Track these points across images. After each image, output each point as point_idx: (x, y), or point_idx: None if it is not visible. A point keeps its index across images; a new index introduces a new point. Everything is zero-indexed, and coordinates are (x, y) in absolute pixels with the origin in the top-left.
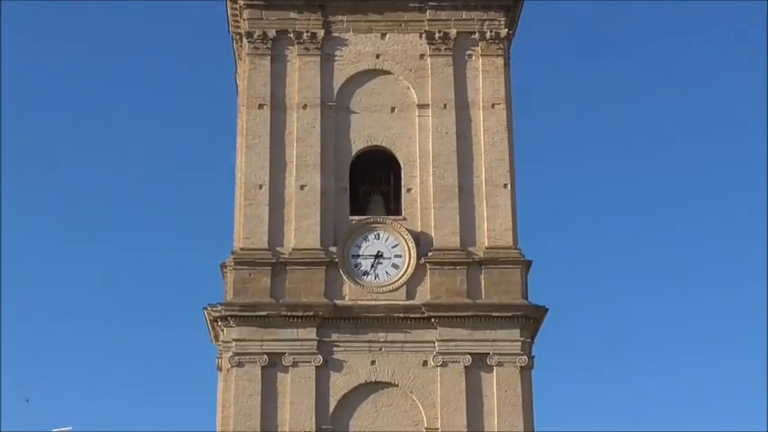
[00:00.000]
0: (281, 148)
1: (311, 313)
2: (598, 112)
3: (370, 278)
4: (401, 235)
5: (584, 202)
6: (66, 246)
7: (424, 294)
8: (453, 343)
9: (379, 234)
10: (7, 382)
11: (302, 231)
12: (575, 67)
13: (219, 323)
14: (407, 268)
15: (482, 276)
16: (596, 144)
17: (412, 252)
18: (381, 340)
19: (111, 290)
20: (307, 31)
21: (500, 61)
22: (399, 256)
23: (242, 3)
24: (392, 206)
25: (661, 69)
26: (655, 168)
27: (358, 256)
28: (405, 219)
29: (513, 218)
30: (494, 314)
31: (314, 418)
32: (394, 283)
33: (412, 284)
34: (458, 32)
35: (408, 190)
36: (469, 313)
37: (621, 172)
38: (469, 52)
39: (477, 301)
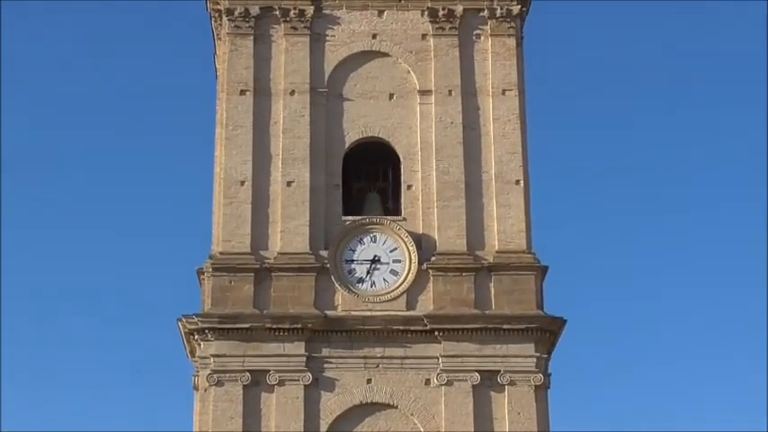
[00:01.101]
0: (266, 140)
1: (299, 325)
2: (623, 99)
3: (365, 286)
4: (400, 237)
5: (606, 200)
6: (16, 246)
7: (426, 304)
8: (459, 359)
9: (375, 236)
10: None
11: (289, 233)
12: (596, 48)
13: (196, 336)
14: (407, 275)
15: (492, 284)
16: (620, 136)
17: (413, 257)
18: (378, 356)
19: (73, 297)
20: (294, 8)
21: (512, 42)
22: (398, 262)
23: None
24: (390, 205)
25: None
26: (687, 160)
27: (352, 261)
28: (404, 219)
29: (526, 218)
30: (505, 326)
31: None
32: (392, 291)
33: (413, 293)
34: (464, 9)
35: (408, 187)
36: (477, 325)
37: (648, 167)
38: (477, 32)
39: (487, 312)
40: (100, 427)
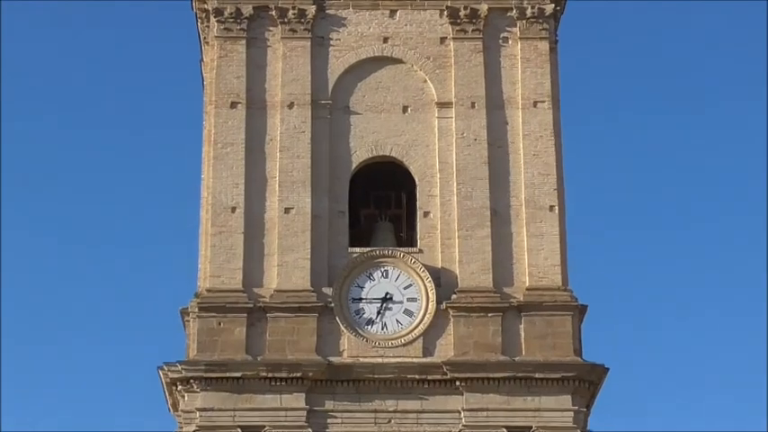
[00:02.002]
0: (260, 160)
1: (299, 374)
2: (672, 113)
3: (375, 328)
4: (416, 272)
5: (654, 229)
6: None
7: (445, 350)
8: (484, 413)
9: (387, 271)
10: None
11: (287, 267)
12: (641, 54)
13: (179, 387)
14: (424, 316)
15: (522, 326)
16: (670, 154)
17: (430, 294)
18: (391, 410)
19: (46, 341)
20: (293, 8)
21: (544, 46)
22: (414, 300)
23: None
24: (404, 235)
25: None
26: (738, 184)
27: (360, 299)
28: (420, 251)
29: (561, 250)
30: (537, 375)
31: None
32: (407, 334)
33: (430, 337)
34: (489, 9)
35: (425, 214)
36: (505, 374)
37: (697, 191)
38: (505, 34)
39: (516, 359)
40: None
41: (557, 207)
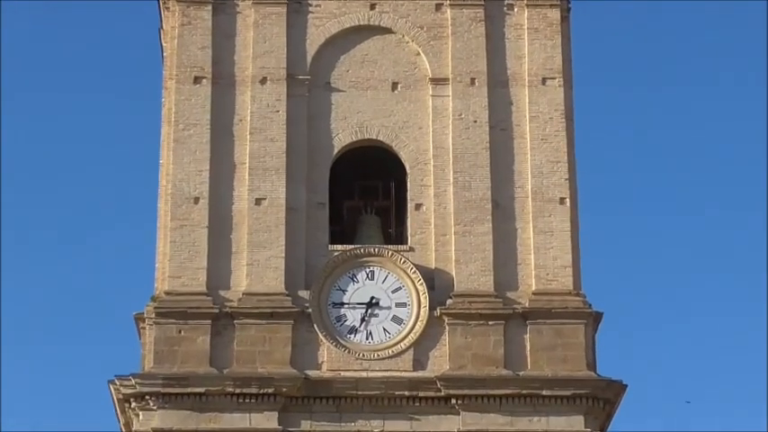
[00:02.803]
0: (228, 144)
1: (271, 390)
2: (699, 93)
3: (359, 338)
4: (406, 273)
5: (677, 225)
6: None
7: (440, 363)
8: None
9: (373, 272)
10: None
11: (258, 267)
12: (664, 24)
13: (133, 404)
14: (415, 323)
15: (527, 336)
16: (694, 140)
17: (422, 299)
18: (377, 430)
19: None
20: None
21: (555, 14)
22: (403, 306)
23: None
24: (393, 230)
25: None
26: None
27: (342, 304)
28: (412, 249)
29: (573, 248)
30: (545, 392)
31: None
32: (395, 345)
33: (422, 348)
34: None
35: (417, 206)
36: (509, 391)
37: (729, 180)
38: (510, 1)
39: (521, 374)
40: None
41: (568, 199)
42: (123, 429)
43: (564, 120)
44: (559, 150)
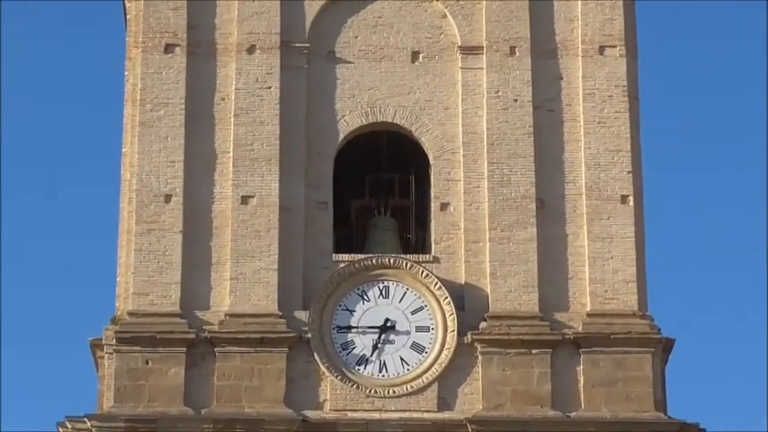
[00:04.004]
0: (207, 128)
1: None
2: None
3: (370, 370)
4: (429, 290)
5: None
6: None
7: (471, 401)
8: None
9: (387, 288)
10: None
11: (245, 282)
12: None
13: None
14: (441, 352)
15: (581, 368)
16: None
17: (449, 322)
18: None
19: None
20: None
21: None
22: (426, 330)
23: None
24: (412, 236)
25: None
26: None
27: (349, 328)
28: (436, 260)
29: (638, 258)
30: None
31: None
32: (416, 379)
33: (449, 383)
34: None
35: (443, 206)
36: None
37: None
38: None
39: (572, 415)
40: None
41: (631, 198)
42: None
43: (626, 98)
44: (621, 136)
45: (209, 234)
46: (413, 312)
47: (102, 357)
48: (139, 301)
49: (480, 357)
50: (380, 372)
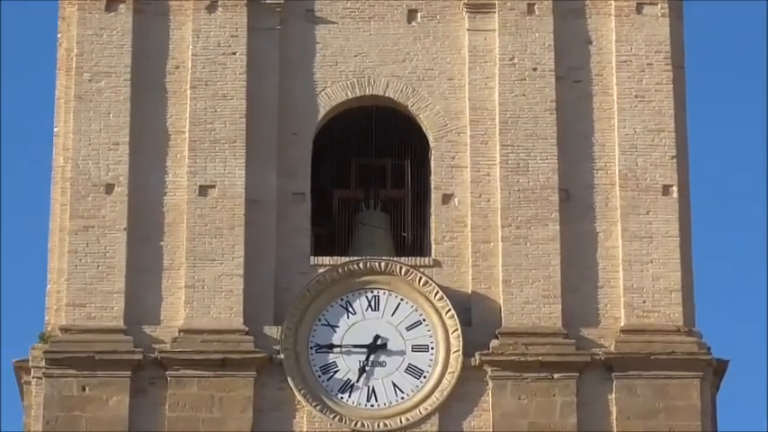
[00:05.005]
0: (158, 102)
1: None
2: None
3: (356, 398)
4: (428, 301)
5: None
6: None
7: None
8: None
9: (377, 298)
10: None
11: (204, 291)
12: None
13: None
14: (442, 377)
15: (613, 396)
16: None
17: (453, 340)
18: None
19: None
20: None
21: None
22: (424, 349)
23: None
24: (408, 235)
25: None
26: None
27: (330, 347)
28: (437, 264)
29: (683, 262)
30: None
31: None
32: (412, 409)
33: (453, 413)
34: None
35: (446, 198)
36: None
37: None
38: None
39: None
40: None
41: (675, 188)
42: None
43: (669, 67)
44: (663, 113)
45: (160, 232)
46: (408, 328)
47: (29, 383)
48: (74, 313)
49: (491, 383)
50: (369, 401)
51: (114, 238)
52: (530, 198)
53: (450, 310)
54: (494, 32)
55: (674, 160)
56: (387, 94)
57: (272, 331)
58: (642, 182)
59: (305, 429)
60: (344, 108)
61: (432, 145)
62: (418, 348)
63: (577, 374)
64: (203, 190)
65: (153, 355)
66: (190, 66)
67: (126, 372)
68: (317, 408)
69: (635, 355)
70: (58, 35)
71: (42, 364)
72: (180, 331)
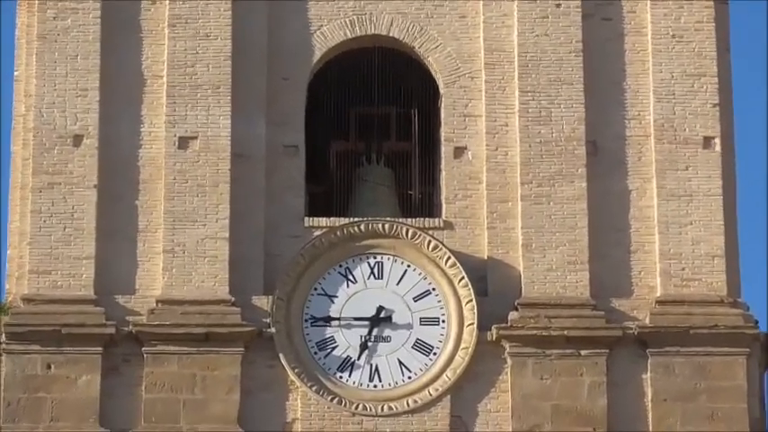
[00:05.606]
0: (132, 44)
1: None
2: None
3: (357, 378)
4: (439, 267)
5: None
6: None
7: (497, 420)
8: None
9: (381, 264)
10: None
11: (184, 257)
12: None
13: None
14: (454, 354)
15: (647, 376)
16: None
17: (466, 312)
18: None
19: None
20: None
21: None
22: (434, 323)
23: None
24: (415, 193)
25: None
26: None
27: (328, 320)
28: (448, 225)
29: (727, 225)
30: None
31: None
32: (420, 390)
33: (467, 395)
34: None
35: (458, 152)
36: None
37: None
38: None
39: None
40: None
41: (718, 140)
42: None
43: (712, 2)
44: (704, 55)
45: (135, 190)
46: (416, 298)
47: None
48: (38, 282)
49: (509, 361)
50: (371, 380)
51: (83, 197)
52: (553, 151)
53: (463, 277)
54: None
55: (717, 109)
56: (390, 34)
57: (262, 302)
58: (680, 133)
59: (299, 413)
60: (342, 50)
61: (442, 91)
62: (427, 321)
63: (607, 351)
64: (183, 142)
65: (127, 329)
66: (168, 1)
67: (97, 348)
68: (313, 389)
69: (672, 330)
70: None
71: (2, 338)
72: (157, 302)
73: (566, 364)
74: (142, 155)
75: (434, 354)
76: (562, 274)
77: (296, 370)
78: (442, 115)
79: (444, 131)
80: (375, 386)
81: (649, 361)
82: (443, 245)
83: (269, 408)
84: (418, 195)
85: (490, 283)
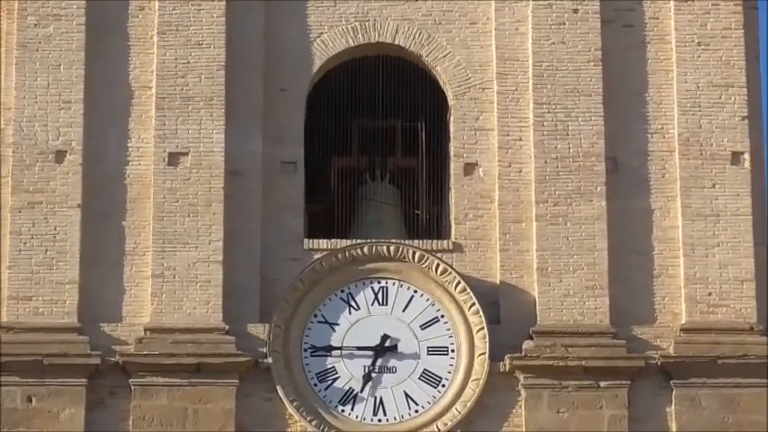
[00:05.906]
0: (119, 52)
1: None
2: None
3: (360, 412)
4: (448, 293)
5: None
6: None
7: None
8: None
9: (386, 290)
10: None
11: (175, 282)
12: None
13: None
14: (464, 385)
15: (672, 408)
16: None
17: (477, 341)
18: None
19: None
20: None
21: None
22: (442, 352)
23: None
24: (422, 213)
25: None
26: None
27: (329, 350)
28: (458, 248)
29: (758, 247)
30: None
31: None
32: (428, 425)
33: (477, 427)
34: None
35: (469, 168)
36: None
37: None
38: None
39: None
40: None
41: (747, 156)
42: None
43: (740, 7)
44: (732, 65)
45: (122, 210)
46: (423, 326)
47: None
48: (18, 308)
49: (524, 393)
50: (375, 414)
51: (66, 217)
52: (570, 168)
53: (473, 304)
54: None
55: (746, 122)
56: (396, 42)
57: (258, 330)
58: (706, 148)
59: None
60: (344, 58)
61: (451, 103)
62: (435, 351)
63: (629, 382)
64: (174, 158)
65: (113, 359)
66: (157, 7)
67: (81, 379)
68: (313, 423)
69: (698, 360)
70: None
71: None
72: (146, 330)
73: (584, 397)
74: (129, 172)
75: (443, 386)
76: (580, 300)
77: (294, 403)
78: (451, 129)
79: (453, 146)
80: (379, 420)
81: (674, 393)
82: (452, 268)
83: None
84: (425, 215)
85: (503, 310)
